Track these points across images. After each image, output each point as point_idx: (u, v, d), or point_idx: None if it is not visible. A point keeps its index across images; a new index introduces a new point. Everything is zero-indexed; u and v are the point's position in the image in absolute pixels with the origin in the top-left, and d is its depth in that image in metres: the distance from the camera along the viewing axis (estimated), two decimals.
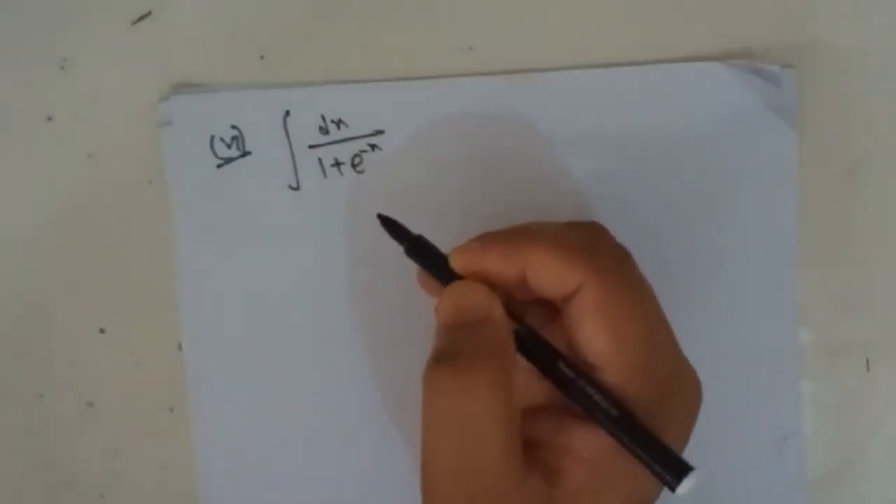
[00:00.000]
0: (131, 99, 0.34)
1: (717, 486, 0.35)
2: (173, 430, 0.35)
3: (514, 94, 0.34)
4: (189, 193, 0.34)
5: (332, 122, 0.34)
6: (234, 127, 0.34)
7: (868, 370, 0.36)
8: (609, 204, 0.34)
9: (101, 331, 0.35)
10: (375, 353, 0.35)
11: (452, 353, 0.27)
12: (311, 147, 0.34)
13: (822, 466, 0.36)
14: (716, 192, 0.35)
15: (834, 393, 0.36)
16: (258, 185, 0.34)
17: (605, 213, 0.34)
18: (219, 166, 0.34)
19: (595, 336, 0.27)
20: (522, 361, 0.28)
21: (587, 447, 0.27)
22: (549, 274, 0.27)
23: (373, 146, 0.34)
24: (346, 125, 0.34)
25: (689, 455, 0.27)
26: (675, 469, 0.26)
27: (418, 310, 0.33)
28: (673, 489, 0.26)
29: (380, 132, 0.34)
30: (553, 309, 0.29)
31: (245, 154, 0.34)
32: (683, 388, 0.28)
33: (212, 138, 0.34)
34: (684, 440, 0.28)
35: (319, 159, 0.34)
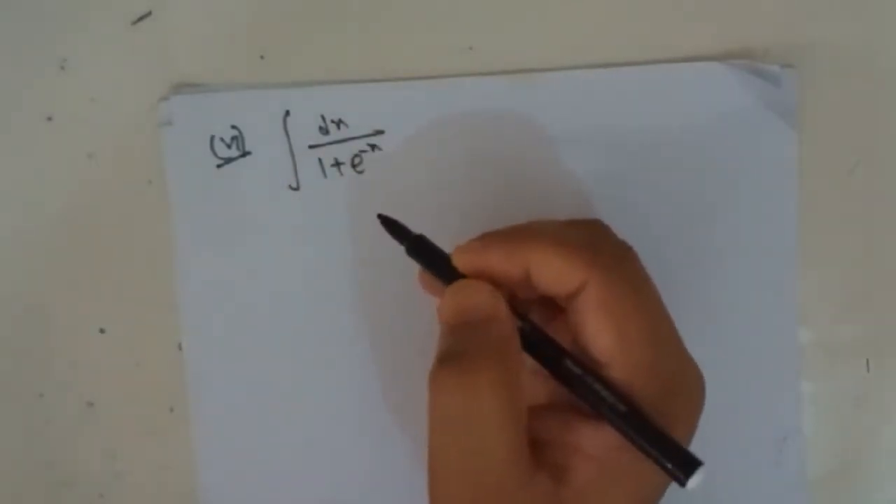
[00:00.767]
0: (131, 99, 0.34)
1: (717, 487, 0.35)
2: (173, 430, 0.35)
3: (514, 94, 0.34)
4: (189, 193, 0.34)
5: (332, 122, 0.34)
6: (234, 127, 0.34)
7: (868, 370, 0.36)
8: (609, 204, 0.34)
9: (101, 331, 0.35)
10: (376, 353, 0.35)
11: (457, 353, 0.27)
12: (311, 147, 0.34)
13: (822, 466, 0.36)
14: (716, 192, 0.35)
15: (834, 393, 0.36)
16: (258, 185, 0.34)
17: (605, 213, 0.34)
18: (219, 166, 0.34)
19: (600, 333, 0.27)
20: (527, 360, 0.28)
21: (594, 444, 0.27)
22: (552, 272, 0.27)
23: (373, 146, 0.34)
24: (346, 125, 0.34)
25: None
26: (683, 464, 0.26)
27: (419, 310, 0.33)
28: (683, 484, 0.26)
29: (380, 132, 0.34)
30: (556, 307, 0.29)
31: (245, 154, 0.34)
32: (688, 386, 0.28)
33: (212, 138, 0.34)
34: (689, 437, 0.28)
35: (319, 159, 0.34)
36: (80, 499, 0.36)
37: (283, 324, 0.35)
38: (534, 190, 0.34)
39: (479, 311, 0.27)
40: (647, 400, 0.27)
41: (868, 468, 0.36)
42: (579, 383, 0.27)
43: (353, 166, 0.34)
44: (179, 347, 0.35)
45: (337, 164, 0.34)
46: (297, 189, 0.34)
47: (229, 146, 0.34)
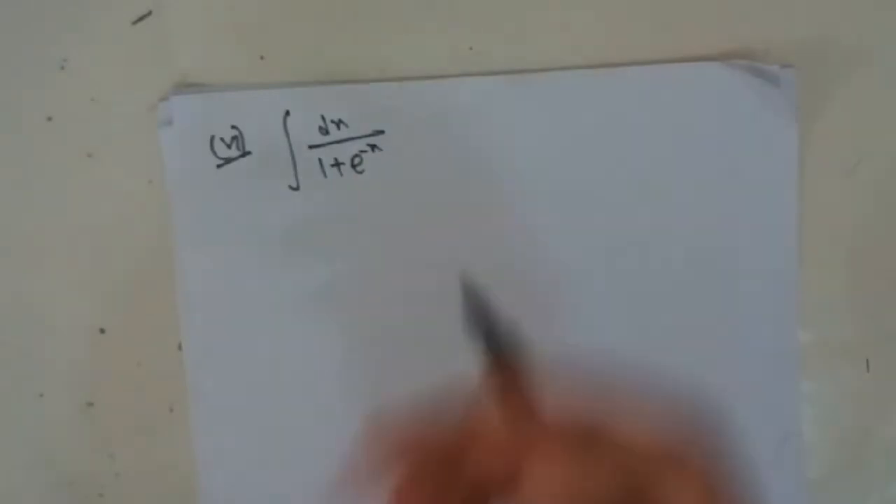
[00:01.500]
0: (131, 99, 0.34)
1: None
2: (173, 430, 0.35)
3: (514, 94, 0.34)
4: (189, 193, 0.34)
5: (332, 122, 0.34)
6: (234, 127, 0.34)
7: (868, 370, 0.36)
8: (609, 204, 0.34)
9: (101, 331, 0.35)
10: (375, 353, 0.35)
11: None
12: (311, 147, 0.34)
13: (822, 466, 0.36)
14: (716, 192, 0.35)
15: (834, 393, 0.36)
16: (258, 185, 0.34)
17: (605, 213, 0.34)
18: (219, 166, 0.34)
19: None
20: None
21: None
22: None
23: (373, 146, 0.34)
24: (346, 125, 0.34)
25: None
26: None
27: (419, 309, 0.33)
28: None
29: (380, 132, 0.34)
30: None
31: (245, 154, 0.34)
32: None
33: (212, 138, 0.34)
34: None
35: (319, 159, 0.34)
36: (79, 499, 0.36)
37: (283, 324, 0.35)
38: (533, 190, 0.34)
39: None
40: None
41: (868, 468, 0.36)
42: None
43: (353, 166, 0.34)
44: (179, 347, 0.35)
45: (337, 164, 0.34)
46: (297, 189, 0.34)
47: (229, 146, 0.34)
